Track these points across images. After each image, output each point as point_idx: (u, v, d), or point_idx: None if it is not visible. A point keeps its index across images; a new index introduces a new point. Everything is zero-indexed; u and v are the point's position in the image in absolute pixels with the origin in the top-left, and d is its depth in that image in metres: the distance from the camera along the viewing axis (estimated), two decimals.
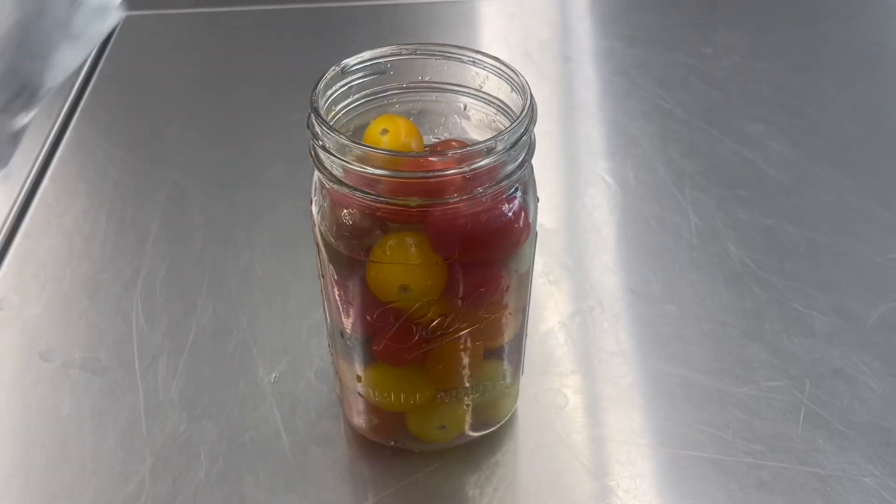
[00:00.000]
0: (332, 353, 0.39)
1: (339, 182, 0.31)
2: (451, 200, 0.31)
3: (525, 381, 0.41)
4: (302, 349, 0.46)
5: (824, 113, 0.63)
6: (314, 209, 0.34)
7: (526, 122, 0.31)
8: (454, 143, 0.35)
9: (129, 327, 0.47)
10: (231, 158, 0.61)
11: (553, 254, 0.51)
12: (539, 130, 0.33)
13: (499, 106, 0.34)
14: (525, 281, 0.36)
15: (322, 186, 0.33)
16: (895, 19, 0.77)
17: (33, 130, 0.63)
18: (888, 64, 0.70)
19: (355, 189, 0.31)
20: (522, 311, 0.37)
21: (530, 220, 0.34)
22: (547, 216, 0.53)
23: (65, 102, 0.65)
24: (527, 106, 0.31)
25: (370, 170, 0.30)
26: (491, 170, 0.31)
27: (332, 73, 0.33)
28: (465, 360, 0.36)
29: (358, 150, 0.30)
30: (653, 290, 0.49)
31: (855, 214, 0.53)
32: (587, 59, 0.70)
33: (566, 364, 0.44)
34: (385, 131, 0.33)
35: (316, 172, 0.33)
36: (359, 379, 0.37)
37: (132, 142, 0.62)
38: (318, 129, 0.31)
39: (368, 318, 0.34)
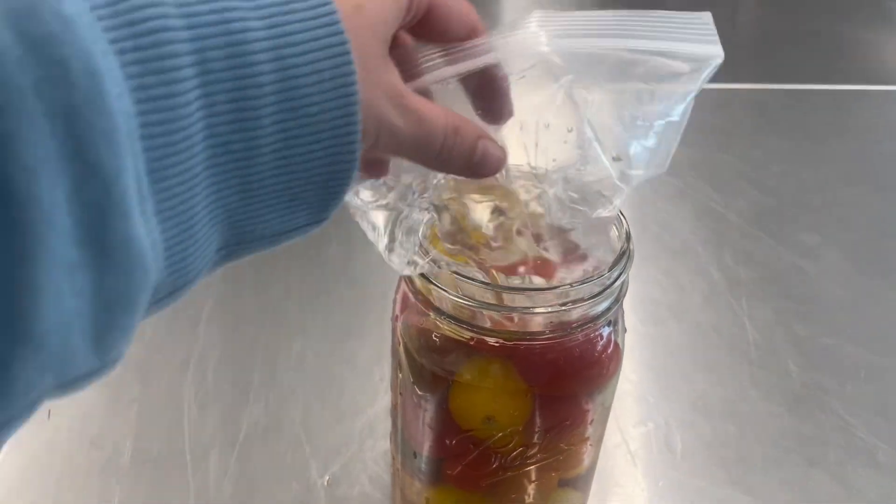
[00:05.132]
0: (396, 468, 0.38)
1: (438, 311, 0.31)
2: (546, 336, 0.30)
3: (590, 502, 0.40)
4: (356, 450, 0.45)
5: (875, 229, 0.63)
6: (399, 325, 0.34)
7: (624, 262, 0.31)
8: (545, 262, 0.35)
9: (181, 416, 0.46)
10: None
11: None
12: None
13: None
14: (608, 411, 0.35)
15: (405, 300, 0.33)
16: None
17: None
18: None
19: (452, 318, 0.30)
20: (600, 439, 0.36)
21: (620, 352, 0.33)
22: None
23: None
24: (628, 248, 0.31)
25: (475, 304, 0.29)
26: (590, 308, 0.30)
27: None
28: (539, 489, 0.35)
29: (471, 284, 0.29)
30: (714, 407, 0.48)
31: None
32: None
33: (629, 485, 0.43)
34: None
35: (403, 287, 0.33)
36: (427, 501, 0.36)
37: None
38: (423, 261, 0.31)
39: (447, 442, 0.33)
